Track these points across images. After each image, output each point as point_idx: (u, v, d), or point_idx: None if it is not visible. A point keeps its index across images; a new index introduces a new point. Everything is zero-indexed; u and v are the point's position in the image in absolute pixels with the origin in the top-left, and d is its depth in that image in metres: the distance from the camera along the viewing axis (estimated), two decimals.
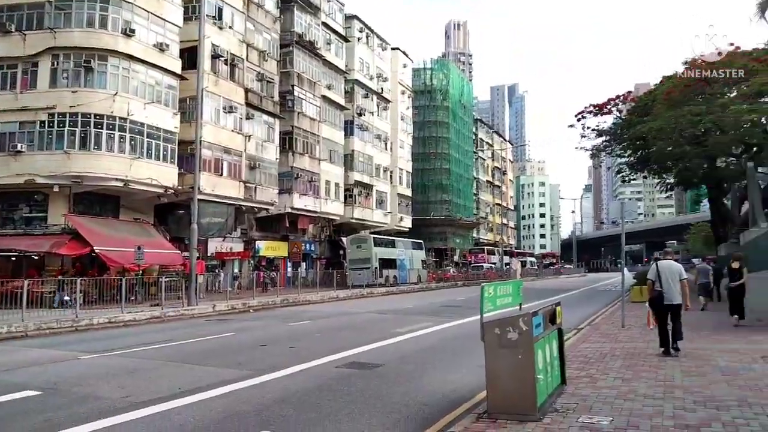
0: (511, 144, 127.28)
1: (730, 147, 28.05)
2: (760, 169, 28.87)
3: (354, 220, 49.67)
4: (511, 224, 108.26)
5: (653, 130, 27.60)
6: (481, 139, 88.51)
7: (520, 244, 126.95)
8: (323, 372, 9.11)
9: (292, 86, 41.81)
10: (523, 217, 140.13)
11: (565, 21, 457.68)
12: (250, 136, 36.73)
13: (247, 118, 36.82)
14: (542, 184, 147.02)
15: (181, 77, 30.74)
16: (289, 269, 42.75)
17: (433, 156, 69.37)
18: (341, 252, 46.25)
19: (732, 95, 25.92)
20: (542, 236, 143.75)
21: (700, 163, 32.18)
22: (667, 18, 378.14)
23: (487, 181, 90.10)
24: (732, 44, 29.39)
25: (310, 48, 43.52)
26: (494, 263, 69.63)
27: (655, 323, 10.48)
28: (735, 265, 15.41)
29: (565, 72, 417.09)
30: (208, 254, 34.49)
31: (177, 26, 30.99)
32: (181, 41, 31.07)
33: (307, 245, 45.43)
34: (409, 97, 63.39)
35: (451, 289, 41.15)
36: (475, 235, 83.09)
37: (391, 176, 57.18)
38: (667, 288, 10.06)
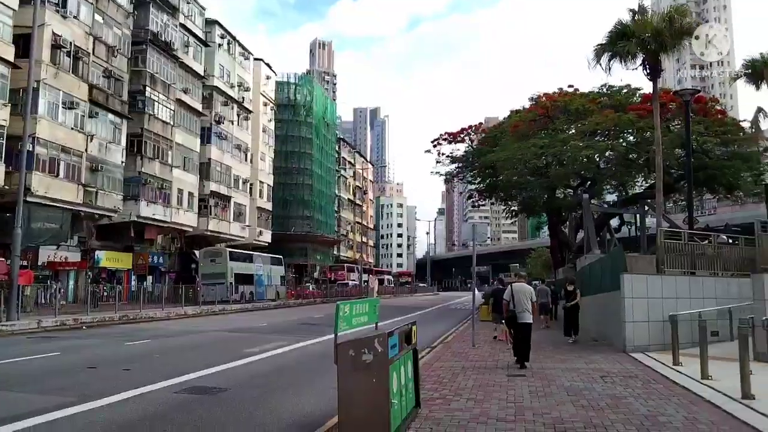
0: (372, 165, 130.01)
1: (569, 179, 30.62)
2: (593, 201, 31.91)
3: (209, 233, 47.33)
4: (371, 243, 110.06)
5: (501, 159, 29.40)
6: (343, 158, 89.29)
7: (378, 262, 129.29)
8: (160, 398, 8.17)
9: (144, 86, 39.15)
10: (382, 237, 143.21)
11: (426, 50, 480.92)
12: (92, 135, 33.70)
13: (91, 117, 33.79)
14: (400, 205, 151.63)
15: (13, 65, 27.45)
16: (134, 283, 39.51)
17: (295, 171, 68.61)
18: (193, 266, 43.69)
19: (571, 132, 28.42)
20: (399, 255, 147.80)
21: (542, 193, 34.88)
22: (519, 54, 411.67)
23: (349, 199, 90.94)
24: (571, 86, 32.57)
25: (166, 48, 41.13)
26: (354, 281, 70.00)
27: (512, 339, 11.29)
28: (570, 287, 17.32)
29: (425, 99, 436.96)
30: (39, 264, 30.89)
31: (11, 8, 27.71)
32: (16, 26, 27.84)
33: (155, 257, 42.42)
34: (272, 109, 62.22)
35: (310, 306, 40.48)
36: (335, 252, 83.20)
37: (251, 189, 55.44)
38: (520, 309, 11.05)
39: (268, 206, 59.93)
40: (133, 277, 40.34)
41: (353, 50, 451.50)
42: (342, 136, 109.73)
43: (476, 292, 16.87)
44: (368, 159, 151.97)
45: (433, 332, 18.94)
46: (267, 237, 58.06)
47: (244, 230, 52.83)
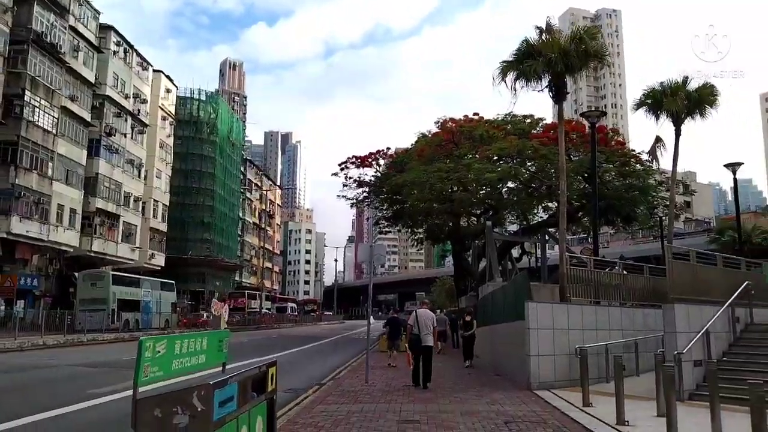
0: (280, 188, 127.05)
1: (472, 205, 30.25)
2: (496, 229, 31.71)
3: (93, 254, 43.20)
4: (277, 269, 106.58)
5: (407, 182, 28.57)
6: (249, 179, 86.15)
7: (285, 289, 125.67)
8: None
9: (23, 90, 35.32)
10: (289, 263, 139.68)
11: (340, 79, 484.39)
12: None
13: None
14: (309, 231, 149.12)
15: None
16: (2, 307, 34.96)
17: (195, 191, 64.97)
18: (72, 290, 39.46)
19: (475, 157, 28.06)
20: (306, 282, 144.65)
21: (447, 220, 34.42)
22: (431, 86, 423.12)
23: (254, 223, 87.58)
24: (476, 114, 32.50)
25: (51, 51, 37.51)
26: (254, 308, 66.62)
27: (411, 363, 12.42)
28: (468, 317, 19.06)
29: (339, 127, 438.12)
30: None
31: None
32: None
33: (28, 279, 37.85)
34: (171, 124, 58.70)
35: None
36: (237, 278, 79.37)
37: (143, 207, 51.57)
38: (423, 332, 12.38)
39: (163, 227, 55.99)
40: (1, 301, 35.73)
41: (266, 74, 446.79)
42: (252, 159, 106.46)
43: (371, 321, 15.56)
44: (279, 183, 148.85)
45: (328, 365, 17.31)
46: (160, 260, 54.05)
47: (133, 252, 48.83)
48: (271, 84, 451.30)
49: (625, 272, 15.13)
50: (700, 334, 10.42)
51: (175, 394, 3.69)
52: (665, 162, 20.70)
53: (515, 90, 15.96)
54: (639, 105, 19.35)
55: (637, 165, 26.83)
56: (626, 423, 7.80)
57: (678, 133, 18.82)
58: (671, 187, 20.14)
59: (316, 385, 12.55)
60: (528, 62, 15.22)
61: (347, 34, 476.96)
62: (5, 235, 34.13)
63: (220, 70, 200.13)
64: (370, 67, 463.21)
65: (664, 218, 29.09)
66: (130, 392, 4.13)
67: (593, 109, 17.59)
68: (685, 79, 18.55)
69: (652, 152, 20.25)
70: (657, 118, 18.91)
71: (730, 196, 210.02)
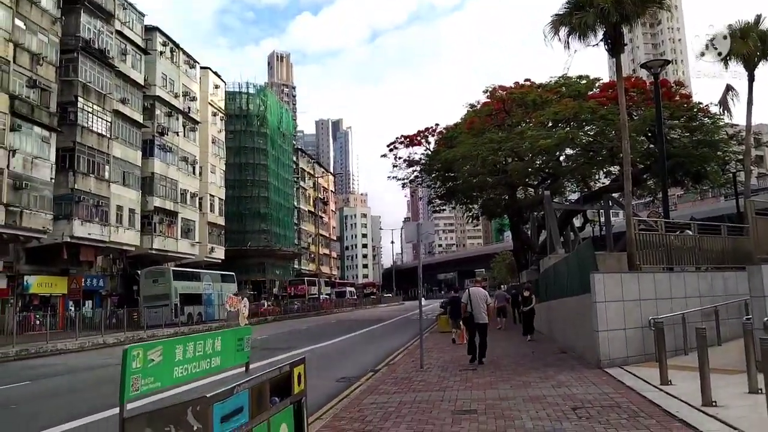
0: (333, 174, 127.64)
1: (528, 175, 28.94)
2: (555, 199, 30.28)
3: (154, 251, 44.22)
4: (334, 255, 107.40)
5: (457, 157, 27.55)
6: (302, 168, 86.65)
7: (344, 274, 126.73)
8: None
9: (76, 97, 36.14)
10: (347, 248, 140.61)
11: (387, 61, 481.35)
12: (15, 150, 30.69)
13: (13, 130, 30.80)
14: (364, 215, 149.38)
15: None
16: (72, 309, 36.33)
17: (250, 183, 65.72)
18: (135, 288, 40.63)
19: (529, 124, 26.71)
20: (365, 266, 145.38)
21: (502, 193, 33.16)
22: (480, 61, 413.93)
23: (309, 211, 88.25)
24: (528, 80, 30.95)
25: (100, 57, 38.19)
26: (314, 294, 67.33)
27: (466, 339, 12.91)
28: (526, 293, 19.34)
29: (388, 110, 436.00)
30: None
31: None
32: None
33: (93, 280, 39.18)
34: (222, 119, 59.34)
35: (261, 326, 37.79)
36: (296, 266, 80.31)
37: (200, 203, 52.41)
38: (476, 310, 12.49)
39: (221, 221, 56.90)
40: (71, 303, 37.15)
41: (315, 64, 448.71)
42: (304, 149, 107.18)
43: (423, 302, 15.00)
44: (332, 170, 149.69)
45: (384, 349, 16.82)
46: (220, 254, 55.00)
47: (193, 247, 49.78)
48: (320, 73, 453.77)
49: (698, 234, 13.79)
50: None
51: (168, 411, 3.12)
52: (738, 112, 18.94)
53: (569, 45, 14.76)
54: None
55: (705, 119, 24.85)
56: (713, 403, 6.81)
57: (752, 79, 17.07)
58: (746, 137, 18.36)
59: (370, 372, 12.04)
60: (579, 14, 13.98)
61: (391, 16, 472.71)
62: (69, 239, 35.19)
63: (268, 63, 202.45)
64: (416, 46, 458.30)
65: (738, 173, 26.95)
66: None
67: (645, 66, 16.00)
68: (758, 18, 16.75)
69: (723, 102, 18.48)
70: (726, 65, 17.20)
71: None
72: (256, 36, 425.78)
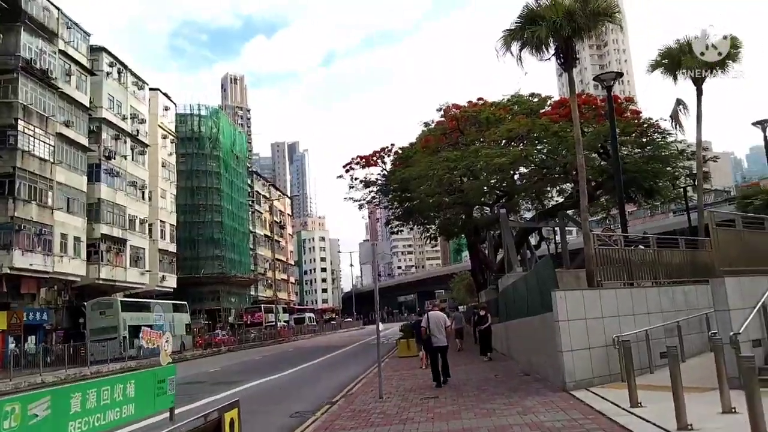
0: (289, 197, 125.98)
1: (484, 194, 28.85)
2: (510, 217, 30.24)
3: (102, 282, 42.26)
4: (292, 279, 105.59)
5: (413, 176, 27.25)
6: (257, 191, 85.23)
7: (303, 299, 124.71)
8: None
9: (15, 119, 34.44)
10: (305, 272, 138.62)
11: (341, 85, 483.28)
12: None
13: None
14: (323, 239, 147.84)
15: None
16: (11, 345, 34.10)
17: (203, 208, 64.06)
18: (82, 320, 38.63)
19: (483, 143, 26.66)
20: (324, 291, 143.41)
21: (458, 212, 33.01)
22: (431, 83, 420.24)
23: (266, 235, 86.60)
24: (481, 98, 31.10)
25: (42, 77, 36.62)
26: (272, 322, 65.61)
27: (427, 363, 13.00)
28: (482, 312, 20.06)
29: (344, 132, 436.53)
30: None
31: None
32: None
33: (36, 314, 37.04)
34: (172, 142, 57.83)
35: (213, 357, 36.38)
36: (252, 292, 78.43)
37: (150, 230, 50.61)
38: (436, 333, 12.67)
39: (172, 248, 55.08)
40: (11, 339, 34.90)
41: (270, 86, 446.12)
42: (260, 172, 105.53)
43: (383, 326, 14.45)
44: (289, 193, 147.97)
45: (341, 378, 16.07)
46: (172, 282, 53.12)
47: (143, 276, 47.88)
48: (275, 96, 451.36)
49: (657, 248, 13.65)
50: (757, 308, 8.99)
51: None
52: (688, 126, 19.16)
53: (521, 60, 14.62)
54: (655, 66, 17.87)
55: (655, 134, 25.27)
56: (689, 427, 6.41)
57: (700, 93, 17.32)
58: (697, 150, 18.62)
59: (326, 405, 11.30)
60: (531, 28, 13.86)
61: (345, 40, 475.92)
62: (8, 271, 33.25)
63: (222, 86, 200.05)
64: (371, 69, 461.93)
65: (688, 188, 27.47)
66: None
67: (598, 79, 16.07)
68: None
69: (675, 116, 18.70)
70: (675, 79, 17.42)
71: (746, 164, 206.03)
72: (210, 59, 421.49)
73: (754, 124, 19.62)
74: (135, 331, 36.50)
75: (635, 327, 10.89)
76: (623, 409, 7.87)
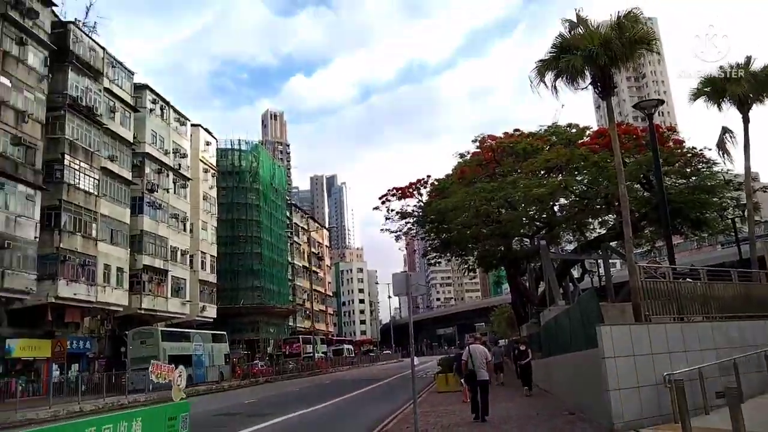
0: (328, 229, 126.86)
1: (522, 225, 28.35)
2: (551, 249, 29.57)
3: (143, 311, 42.95)
4: (330, 311, 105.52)
5: (449, 207, 26.99)
6: (296, 223, 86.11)
7: (341, 330, 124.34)
8: None
9: (62, 154, 35.74)
10: (344, 303, 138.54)
11: (378, 118, 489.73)
12: None
13: None
14: (360, 270, 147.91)
15: None
16: (56, 373, 34.76)
17: (242, 239, 64.93)
18: (123, 349, 39.18)
19: (520, 173, 26.28)
20: (362, 322, 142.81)
21: (497, 244, 32.51)
22: (469, 115, 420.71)
23: (304, 266, 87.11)
24: (517, 129, 30.82)
25: (88, 114, 38.05)
26: (309, 353, 65.39)
27: (469, 397, 12.94)
28: (522, 347, 20.06)
29: (381, 166, 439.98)
30: None
31: None
32: None
33: (79, 342, 37.80)
34: (213, 176, 59.10)
35: (251, 387, 36.31)
36: (291, 323, 78.57)
37: (191, 261, 51.46)
38: (478, 366, 12.55)
39: (213, 278, 55.77)
40: (55, 367, 35.60)
41: (309, 123, 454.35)
42: (298, 205, 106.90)
43: (422, 358, 14.14)
44: (326, 225, 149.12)
45: (377, 413, 15.68)
46: (212, 312, 53.64)
47: (184, 306, 48.50)
48: (314, 131, 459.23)
49: (708, 281, 13.00)
50: None
51: None
52: (735, 155, 18.46)
53: (556, 90, 14.39)
54: (697, 95, 17.38)
55: (700, 164, 24.48)
56: None
57: (746, 121, 16.73)
58: (746, 179, 17.88)
59: None
60: (566, 57, 13.65)
61: (383, 75, 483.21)
62: (53, 300, 34.08)
63: (262, 122, 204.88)
64: (408, 104, 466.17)
65: (737, 219, 26.42)
66: None
67: (638, 107, 15.60)
68: (748, 60, 16.55)
69: (721, 144, 18.07)
70: (719, 107, 16.88)
71: None
72: (251, 96, 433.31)
73: None
74: (175, 360, 36.80)
75: (687, 364, 10.30)
76: None
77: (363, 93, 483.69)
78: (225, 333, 45.88)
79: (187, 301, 49.29)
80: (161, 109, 49.25)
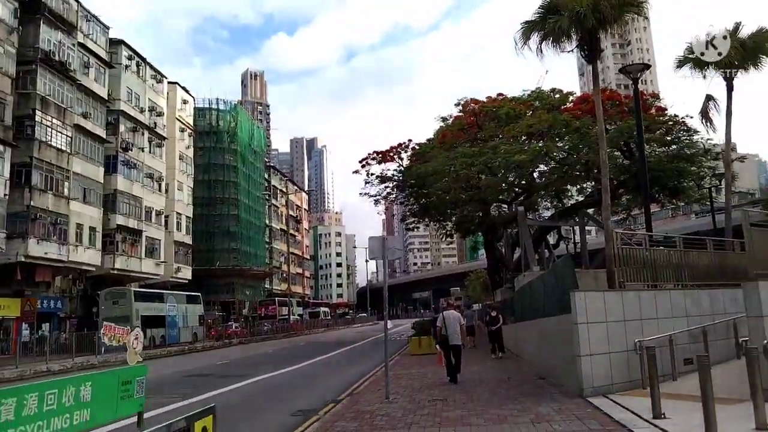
0: (306, 192, 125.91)
1: (502, 191, 28.23)
2: (529, 215, 29.57)
3: (116, 272, 42.39)
4: (307, 274, 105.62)
5: (429, 172, 26.69)
6: (274, 186, 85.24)
7: (317, 294, 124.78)
8: None
9: (33, 110, 34.54)
10: (321, 267, 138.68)
11: (362, 80, 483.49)
12: None
13: None
14: (339, 234, 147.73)
15: None
16: (26, 332, 34.28)
17: (219, 201, 64.14)
18: (95, 309, 38.73)
19: (502, 138, 26.01)
20: (339, 286, 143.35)
21: (475, 210, 32.41)
22: (453, 78, 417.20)
23: (282, 229, 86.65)
24: (501, 94, 30.43)
25: (61, 69, 36.68)
26: (285, 316, 65.56)
27: (443, 361, 13.08)
28: (493, 313, 20.25)
29: (364, 129, 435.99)
30: None
31: None
32: None
33: (50, 302, 37.24)
34: (190, 135, 57.91)
35: (224, 349, 36.28)
36: (267, 285, 78.51)
37: (166, 221, 50.73)
38: (451, 332, 12.89)
39: (188, 240, 55.17)
40: (25, 326, 35.09)
41: (290, 83, 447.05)
42: (278, 167, 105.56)
43: (397, 321, 14.10)
44: (307, 189, 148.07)
45: (350, 375, 15.64)
46: (187, 273, 53.20)
47: (158, 267, 47.96)
48: (295, 92, 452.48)
49: (684, 249, 12.98)
50: None
51: None
52: (717, 124, 18.33)
53: (541, 52, 14.02)
54: (683, 62, 17.14)
55: (681, 133, 24.43)
56: None
57: (730, 89, 16.59)
58: (726, 148, 17.85)
59: (331, 403, 10.88)
60: (553, 18, 13.25)
61: (366, 36, 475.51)
62: (23, 259, 33.37)
63: (242, 82, 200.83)
64: (392, 66, 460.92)
65: (714, 188, 26.59)
66: None
67: (624, 71, 15.26)
68: (737, 26, 16.31)
69: (705, 112, 17.94)
70: (704, 75, 16.69)
71: None
72: (231, 55, 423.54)
73: None
74: (148, 320, 36.60)
75: (658, 331, 10.30)
76: (645, 420, 7.32)
77: (347, 54, 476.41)
78: (199, 294, 45.58)
79: (162, 261, 48.73)
80: (137, 65, 47.74)
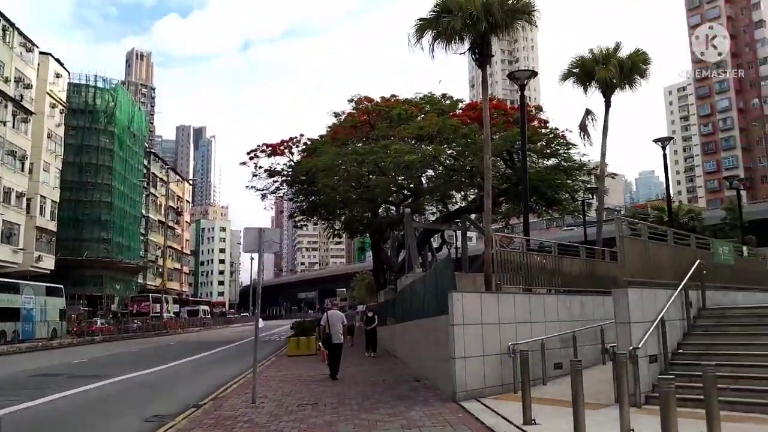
0: (190, 183, 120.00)
1: (391, 192, 28.21)
2: (415, 217, 29.81)
3: None
4: (186, 269, 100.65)
5: (319, 167, 26.09)
6: (154, 174, 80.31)
7: (197, 291, 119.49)
8: None
9: None
10: (203, 263, 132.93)
11: (258, 72, 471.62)
12: None
13: None
14: (223, 229, 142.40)
15: None
16: None
17: (90, 186, 59.20)
18: None
19: (393, 138, 25.95)
20: (221, 283, 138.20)
21: (364, 210, 32.22)
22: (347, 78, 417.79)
23: (160, 221, 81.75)
24: (394, 95, 30.48)
25: None
26: (158, 313, 61.78)
27: (326, 358, 13.66)
28: (370, 314, 21.49)
29: (257, 122, 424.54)
30: None
31: None
32: None
33: None
34: (62, 113, 52.97)
35: (87, 346, 33.37)
36: (141, 280, 73.76)
37: (28, 205, 46.03)
38: (333, 331, 13.50)
39: (52, 226, 50.37)
40: None
41: (180, 68, 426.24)
42: (162, 155, 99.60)
43: (279, 322, 13.56)
44: (191, 179, 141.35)
45: (218, 378, 14.60)
46: (49, 263, 48.55)
47: (16, 255, 43.43)
48: (185, 78, 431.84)
49: (559, 255, 13.34)
50: (656, 323, 8.68)
51: None
52: (594, 136, 19.43)
53: (433, 52, 13.91)
54: (567, 76, 17.84)
55: (559, 146, 25.63)
56: None
57: (608, 105, 17.49)
58: (601, 161, 18.80)
59: (191, 408, 9.91)
60: (447, 17, 13.15)
61: (266, 26, 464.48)
62: None
63: (127, 61, 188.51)
64: (289, 59, 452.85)
65: (585, 202, 28.20)
66: None
67: (512, 77, 15.55)
68: (617, 46, 17.23)
69: (583, 126, 18.79)
70: (586, 89, 17.46)
71: (634, 187, 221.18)
72: (118, 33, 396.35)
73: (655, 141, 20.23)
74: (1, 313, 32.83)
75: (531, 335, 10.40)
76: (516, 426, 7.17)
77: (243, 43, 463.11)
78: (61, 286, 41.61)
79: (20, 249, 44.22)
80: (3, 30, 42.97)
